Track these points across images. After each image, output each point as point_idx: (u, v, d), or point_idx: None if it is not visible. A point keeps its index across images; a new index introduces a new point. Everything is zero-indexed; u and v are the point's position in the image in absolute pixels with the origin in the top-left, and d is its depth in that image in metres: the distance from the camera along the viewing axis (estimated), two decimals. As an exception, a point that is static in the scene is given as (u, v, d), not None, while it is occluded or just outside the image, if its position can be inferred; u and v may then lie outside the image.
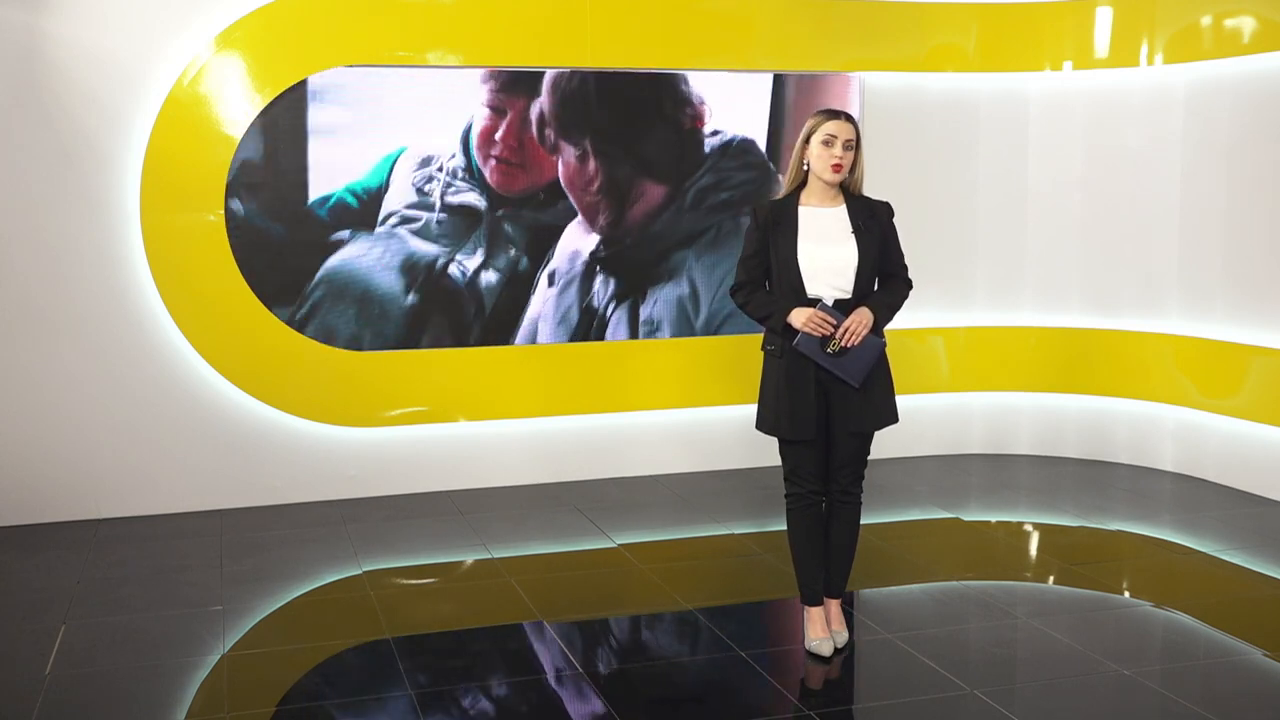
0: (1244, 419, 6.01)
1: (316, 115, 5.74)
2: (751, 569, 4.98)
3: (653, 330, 6.36)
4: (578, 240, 6.20)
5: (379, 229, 5.88)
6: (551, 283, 6.17)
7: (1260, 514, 5.67)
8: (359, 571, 4.91)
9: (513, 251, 5.96)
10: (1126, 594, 4.70)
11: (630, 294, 6.32)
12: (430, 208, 5.95)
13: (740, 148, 6.37)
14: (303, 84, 5.68)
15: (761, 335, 4.01)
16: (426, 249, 5.95)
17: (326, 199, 5.81)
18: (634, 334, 6.34)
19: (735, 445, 6.40)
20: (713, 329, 6.41)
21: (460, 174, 5.98)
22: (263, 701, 3.75)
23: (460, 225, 6.00)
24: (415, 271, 5.95)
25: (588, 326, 6.27)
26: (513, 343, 6.15)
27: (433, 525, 5.55)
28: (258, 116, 5.64)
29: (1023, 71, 6.62)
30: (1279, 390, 5.83)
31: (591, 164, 6.16)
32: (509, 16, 5.93)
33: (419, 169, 5.93)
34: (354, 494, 6.00)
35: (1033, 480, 6.41)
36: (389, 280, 5.92)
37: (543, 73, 6.04)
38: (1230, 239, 6.06)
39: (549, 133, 6.10)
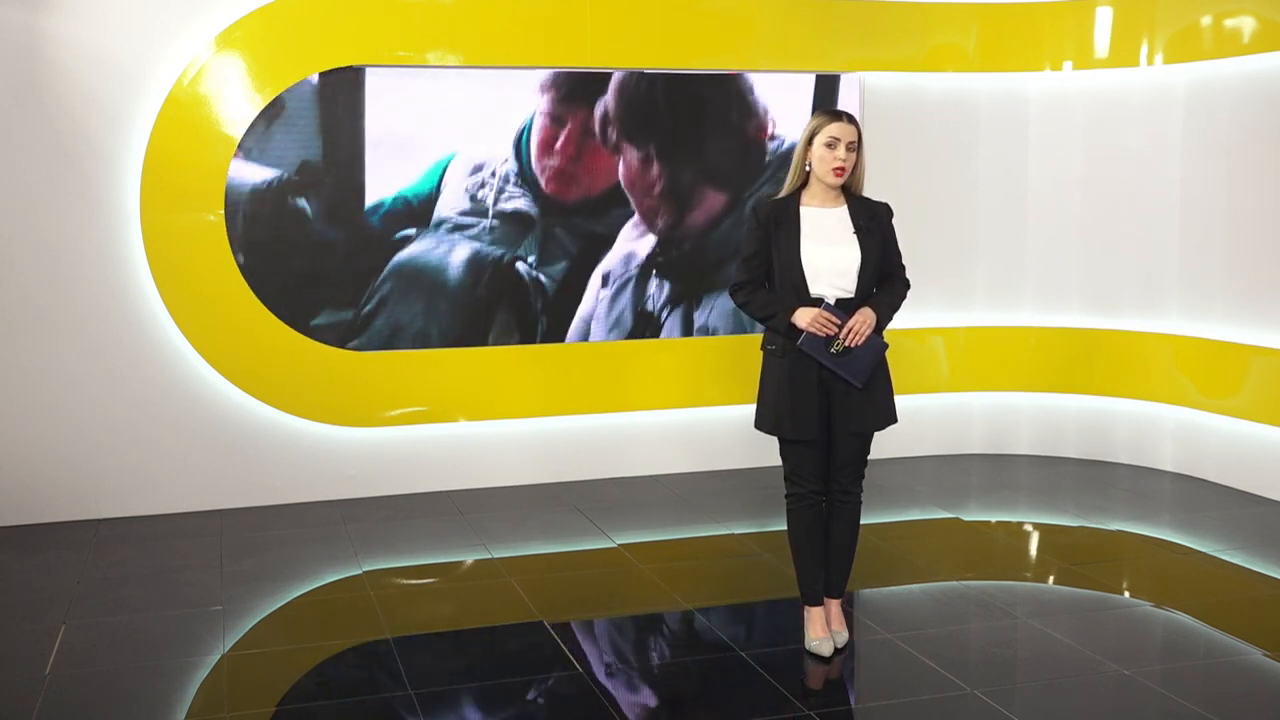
0: (1244, 419, 6.01)
1: (373, 119, 5.78)
2: (751, 569, 4.98)
3: (707, 335, 6.42)
4: (633, 243, 6.23)
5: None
6: (605, 284, 6.20)
7: (1260, 514, 5.67)
8: (359, 571, 4.91)
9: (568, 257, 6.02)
10: (1126, 594, 4.70)
11: (685, 299, 6.35)
12: (484, 213, 5.97)
13: None
14: (360, 83, 5.71)
15: (761, 334, 4.01)
16: (488, 249, 6.01)
17: (379, 205, 5.84)
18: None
19: (735, 445, 6.40)
20: None
21: (513, 179, 5.99)
22: (263, 701, 3.75)
23: (513, 232, 6.02)
24: (482, 266, 6.01)
25: (642, 328, 6.30)
26: (564, 340, 6.20)
27: (433, 525, 5.55)
28: (319, 115, 5.68)
29: (1023, 71, 6.62)
30: (1279, 390, 5.83)
31: (655, 167, 6.19)
32: (509, 16, 5.93)
33: (471, 175, 5.95)
34: (354, 494, 6.00)
35: (1033, 480, 6.41)
36: (457, 274, 5.97)
37: (607, 75, 6.06)
38: (1230, 239, 6.06)
39: (612, 132, 6.11)
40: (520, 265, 6.04)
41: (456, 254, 5.97)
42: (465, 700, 3.72)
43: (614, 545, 5.26)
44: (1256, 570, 4.92)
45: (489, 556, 5.11)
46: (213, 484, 5.81)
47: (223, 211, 5.63)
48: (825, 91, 6.43)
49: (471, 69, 5.90)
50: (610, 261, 6.20)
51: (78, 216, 5.50)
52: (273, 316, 5.75)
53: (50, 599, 4.61)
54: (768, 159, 6.38)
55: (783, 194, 3.95)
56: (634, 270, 6.25)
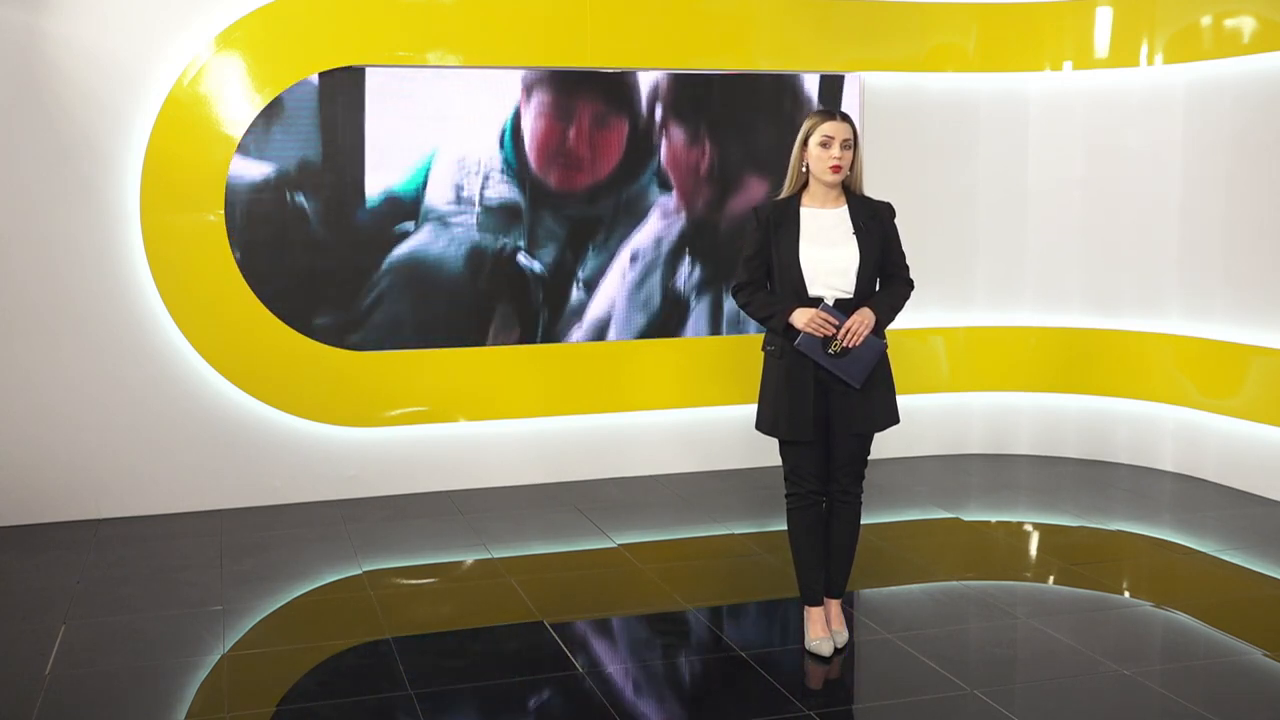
0: (1244, 419, 6.01)
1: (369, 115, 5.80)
2: (751, 569, 4.98)
3: (737, 326, 6.42)
4: (666, 222, 6.26)
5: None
6: (633, 262, 6.23)
7: (1260, 514, 5.67)
8: (359, 571, 4.91)
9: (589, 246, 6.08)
10: (1126, 594, 4.70)
11: (715, 284, 6.36)
12: (470, 205, 5.98)
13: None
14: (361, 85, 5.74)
15: (762, 335, 4.02)
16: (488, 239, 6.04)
17: (369, 203, 5.87)
18: (715, 327, 6.40)
19: (735, 445, 6.40)
20: None
21: (500, 171, 5.99)
22: (263, 701, 3.75)
23: (501, 221, 6.03)
24: (483, 259, 6.03)
25: (669, 312, 6.33)
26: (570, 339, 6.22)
27: (433, 525, 5.56)
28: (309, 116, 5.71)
29: (1023, 71, 6.62)
30: (1279, 390, 5.83)
31: (701, 146, 6.23)
32: (509, 16, 5.93)
33: (457, 169, 5.95)
34: (354, 494, 6.00)
35: (1033, 480, 6.41)
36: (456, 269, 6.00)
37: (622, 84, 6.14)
38: (1230, 239, 6.06)
39: (659, 111, 6.15)
40: (521, 258, 6.07)
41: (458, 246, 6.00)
42: (465, 700, 3.72)
43: (614, 545, 5.26)
44: (1256, 570, 4.92)
45: (489, 556, 5.11)
46: (213, 484, 5.81)
47: (223, 211, 5.63)
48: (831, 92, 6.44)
49: (458, 69, 5.90)
50: (640, 239, 6.22)
51: (78, 216, 5.50)
52: (273, 316, 5.75)
53: (50, 599, 4.61)
54: None
55: (783, 195, 3.96)
56: (664, 250, 6.26)
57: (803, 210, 3.89)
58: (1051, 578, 4.89)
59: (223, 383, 5.75)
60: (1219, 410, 6.15)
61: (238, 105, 5.60)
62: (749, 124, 6.37)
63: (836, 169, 3.83)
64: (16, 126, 5.39)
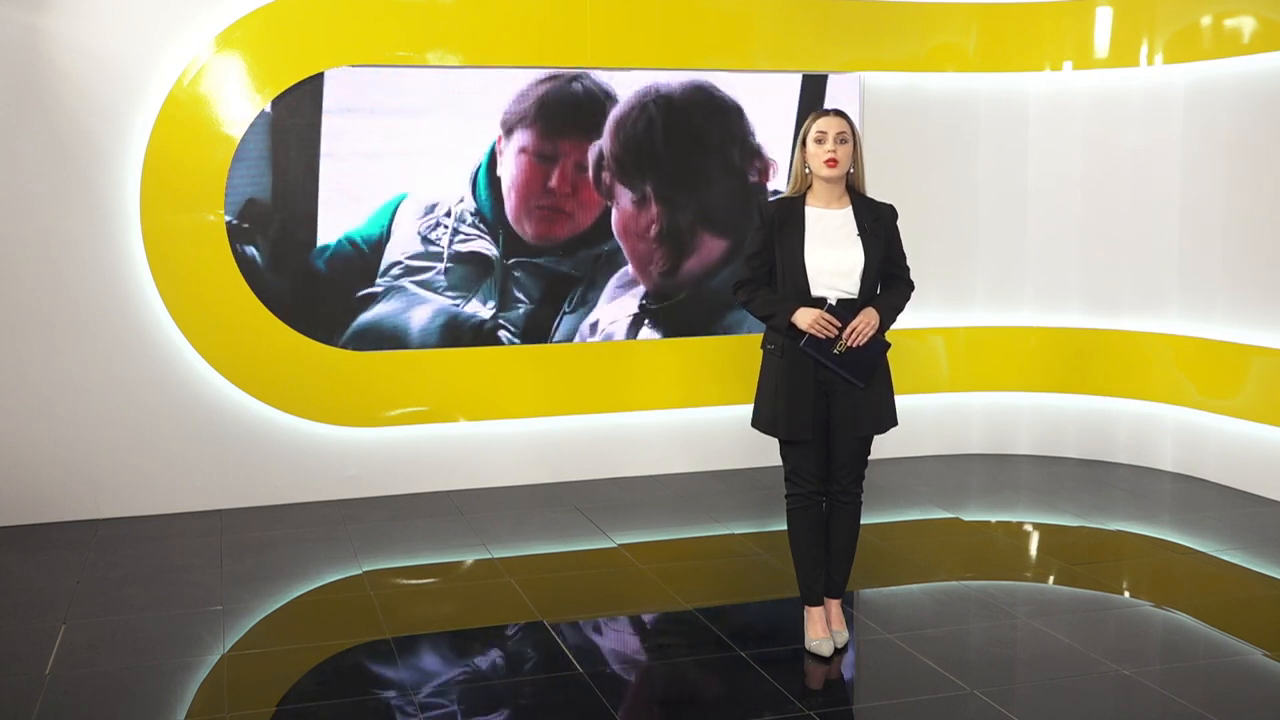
0: (1244, 419, 6.01)
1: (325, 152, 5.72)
2: (751, 569, 4.98)
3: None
4: (623, 290, 6.19)
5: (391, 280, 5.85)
6: (593, 333, 6.17)
7: (1260, 514, 5.67)
8: (359, 571, 4.91)
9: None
10: (1126, 594, 4.70)
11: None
12: (437, 257, 5.91)
13: None
14: (318, 119, 5.68)
15: (761, 334, 4.02)
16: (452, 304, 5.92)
17: (324, 249, 5.79)
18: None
19: (735, 445, 6.40)
20: None
21: (470, 219, 5.92)
22: (263, 701, 3.75)
23: (469, 275, 5.98)
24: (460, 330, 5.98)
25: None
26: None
27: (433, 525, 5.56)
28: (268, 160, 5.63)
29: (1023, 71, 6.62)
30: (1279, 390, 5.83)
31: (651, 209, 6.13)
32: (509, 16, 5.93)
33: (424, 216, 5.86)
34: (354, 494, 6.00)
35: (1033, 480, 6.41)
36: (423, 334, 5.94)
37: (602, 116, 6.04)
38: (1230, 239, 6.06)
39: (606, 176, 6.05)
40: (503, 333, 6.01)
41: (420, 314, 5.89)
42: (465, 700, 3.72)
43: (614, 545, 5.26)
44: (1256, 570, 4.92)
45: (489, 556, 5.11)
46: (213, 484, 5.81)
47: (223, 211, 5.63)
48: (813, 91, 6.43)
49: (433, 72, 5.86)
50: (599, 310, 6.16)
51: (78, 216, 5.50)
52: (273, 316, 5.75)
53: (50, 599, 4.61)
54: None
55: (786, 195, 3.96)
56: (624, 320, 6.21)
57: (808, 210, 3.89)
58: (1051, 578, 4.89)
59: (223, 383, 5.75)
60: (1219, 410, 6.15)
61: (237, 106, 5.60)
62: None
63: (831, 163, 3.83)
64: (16, 126, 5.39)
